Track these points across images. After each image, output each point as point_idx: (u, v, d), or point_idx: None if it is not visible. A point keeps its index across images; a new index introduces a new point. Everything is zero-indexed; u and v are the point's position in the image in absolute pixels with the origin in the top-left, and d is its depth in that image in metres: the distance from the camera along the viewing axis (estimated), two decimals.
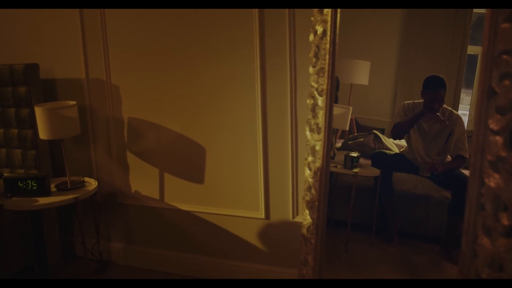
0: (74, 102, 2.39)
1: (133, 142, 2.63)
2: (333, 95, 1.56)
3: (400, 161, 3.07)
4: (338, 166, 2.99)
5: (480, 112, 1.00)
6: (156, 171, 2.61)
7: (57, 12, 2.55)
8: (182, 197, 2.60)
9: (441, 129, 3.00)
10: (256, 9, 2.15)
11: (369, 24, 5.15)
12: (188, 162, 2.54)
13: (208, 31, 2.32)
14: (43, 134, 2.30)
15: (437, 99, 2.93)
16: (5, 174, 2.31)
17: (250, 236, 2.51)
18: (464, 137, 2.94)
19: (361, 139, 3.72)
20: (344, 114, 3.01)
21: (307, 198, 1.62)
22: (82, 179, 2.56)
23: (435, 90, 2.93)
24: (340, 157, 3.16)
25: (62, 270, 2.76)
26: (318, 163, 1.58)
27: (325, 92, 1.54)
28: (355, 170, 2.92)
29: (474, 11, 4.16)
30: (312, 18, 1.52)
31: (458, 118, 2.98)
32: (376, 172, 3.01)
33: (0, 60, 2.69)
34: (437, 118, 2.90)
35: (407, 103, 3.19)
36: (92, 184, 2.53)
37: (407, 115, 3.10)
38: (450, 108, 3.01)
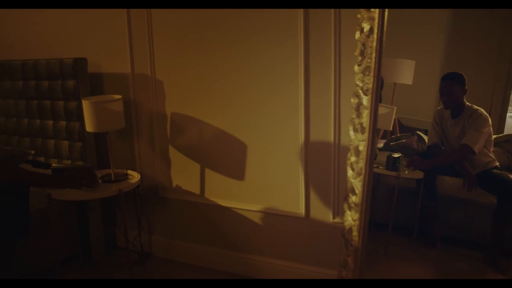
0: (120, 96, 2.45)
1: (176, 137, 2.67)
2: (379, 94, 1.53)
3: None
4: (380, 167, 2.93)
5: None
6: (198, 166, 2.64)
7: (105, 9, 2.62)
8: (222, 193, 2.62)
9: (464, 129, 2.95)
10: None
11: (415, 22, 5.03)
12: (229, 158, 2.55)
13: (252, 27, 2.31)
14: (89, 127, 2.37)
15: (444, 92, 2.94)
16: (53, 165, 2.38)
17: (289, 235, 2.49)
18: (478, 131, 2.86)
19: (404, 140, 3.64)
20: (388, 114, 2.96)
21: (349, 199, 1.59)
22: (125, 171, 2.61)
23: (444, 82, 2.95)
24: (382, 157, 3.11)
25: (104, 259, 2.84)
26: (362, 164, 1.55)
27: (370, 91, 1.51)
28: (398, 171, 2.86)
29: None
30: (358, 15, 1.48)
31: (474, 113, 2.92)
32: (419, 174, 2.93)
33: (51, 54, 2.80)
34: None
35: (438, 108, 3.19)
36: (135, 177, 2.58)
37: (438, 121, 3.12)
38: (476, 107, 2.92)
